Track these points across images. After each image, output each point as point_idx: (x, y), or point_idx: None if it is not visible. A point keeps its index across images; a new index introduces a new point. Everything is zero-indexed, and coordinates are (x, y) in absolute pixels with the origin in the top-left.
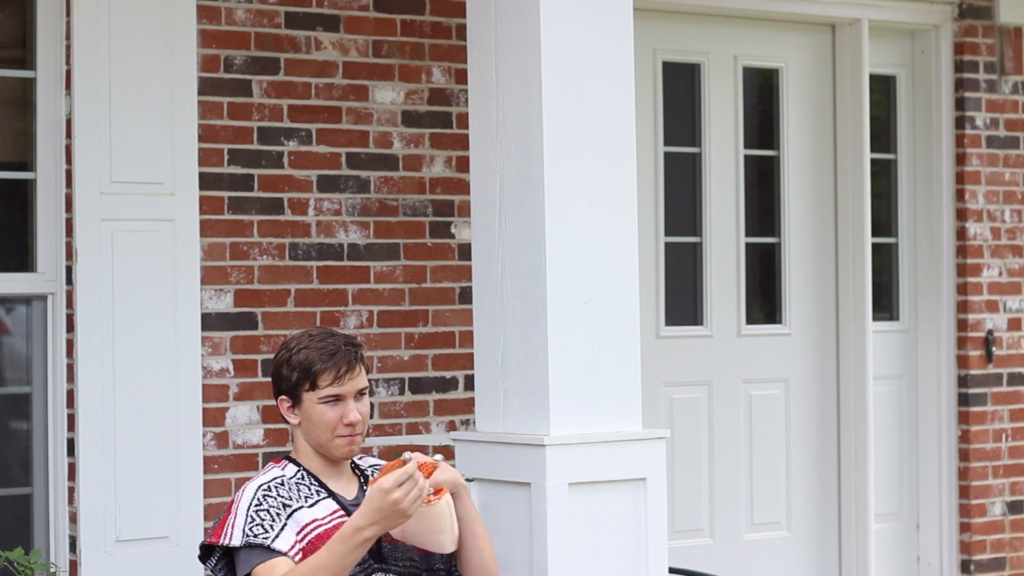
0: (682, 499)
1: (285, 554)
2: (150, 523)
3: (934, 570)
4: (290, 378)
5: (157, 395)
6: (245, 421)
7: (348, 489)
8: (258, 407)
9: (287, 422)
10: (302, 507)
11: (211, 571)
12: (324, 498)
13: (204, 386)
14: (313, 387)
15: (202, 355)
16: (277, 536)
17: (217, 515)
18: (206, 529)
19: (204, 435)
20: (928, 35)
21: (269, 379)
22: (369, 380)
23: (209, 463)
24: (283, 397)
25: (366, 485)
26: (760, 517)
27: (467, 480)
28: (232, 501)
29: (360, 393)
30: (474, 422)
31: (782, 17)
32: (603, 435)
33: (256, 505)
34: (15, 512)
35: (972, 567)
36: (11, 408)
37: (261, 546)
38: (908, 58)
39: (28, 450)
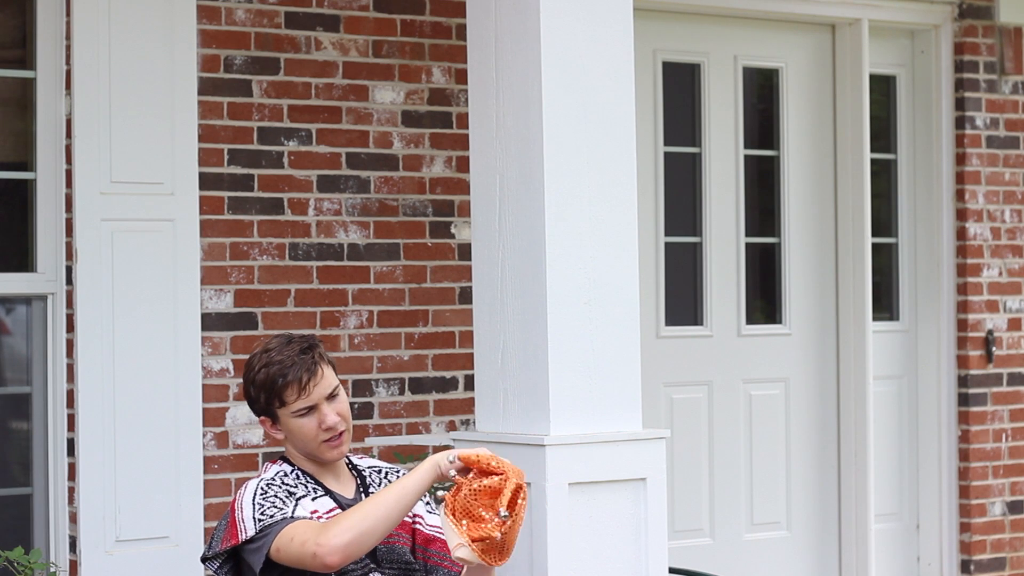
0: (682, 499)
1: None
2: (150, 523)
3: (934, 570)
4: (259, 399)
5: (157, 395)
6: (245, 421)
7: (346, 489)
8: None
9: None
10: (303, 496)
11: (214, 572)
12: (322, 495)
13: (204, 386)
14: (282, 404)
15: (202, 355)
16: (294, 509)
17: (219, 523)
18: (207, 529)
19: (204, 435)
20: (928, 35)
21: None
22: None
23: (209, 463)
24: (263, 417)
25: (363, 486)
26: (760, 517)
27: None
28: (234, 502)
29: (332, 395)
30: (474, 422)
31: (782, 17)
32: (603, 435)
33: (262, 494)
34: (15, 512)
35: (972, 567)
36: (11, 408)
37: (280, 521)
38: (908, 58)
39: (28, 450)
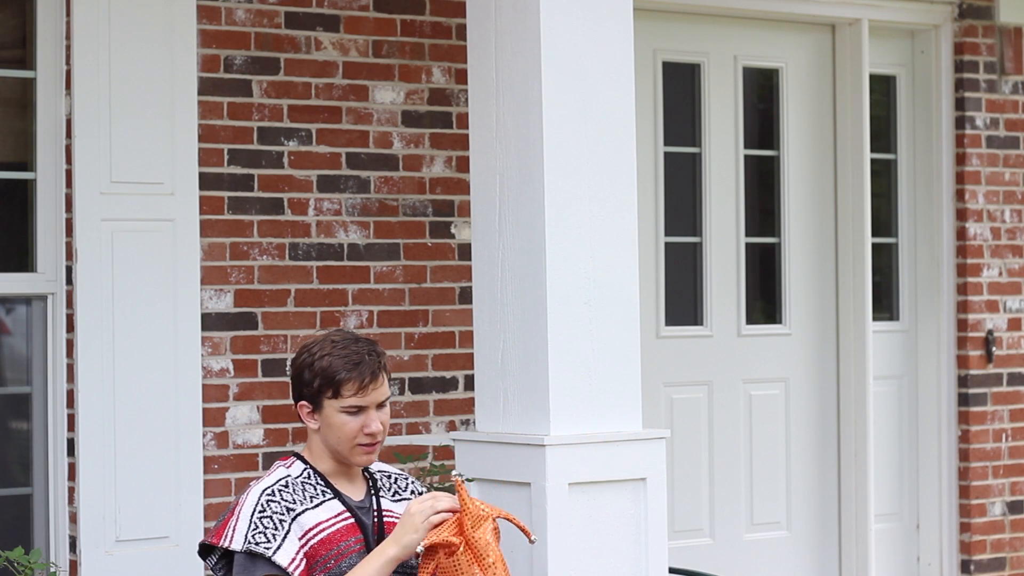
0: (682, 499)
1: (285, 570)
2: (150, 523)
3: (934, 570)
4: (312, 384)
5: (157, 395)
6: (245, 421)
7: (356, 491)
8: (258, 407)
9: (304, 424)
10: (307, 509)
11: (211, 569)
12: (330, 499)
13: (204, 386)
14: (336, 396)
15: (202, 355)
16: (279, 548)
17: (221, 514)
18: (207, 528)
19: (204, 435)
20: (928, 35)
21: (269, 379)
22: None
23: (209, 463)
24: (303, 402)
25: (374, 488)
26: (760, 517)
27: (467, 480)
28: (236, 502)
29: (381, 404)
30: (474, 422)
31: (782, 17)
32: (603, 435)
33: (260, 512)
34: (15, 512)
35: (972, 567)
36: (11, 408)
37: (262, 556)
38: (908, 58)
39: (28, 450)
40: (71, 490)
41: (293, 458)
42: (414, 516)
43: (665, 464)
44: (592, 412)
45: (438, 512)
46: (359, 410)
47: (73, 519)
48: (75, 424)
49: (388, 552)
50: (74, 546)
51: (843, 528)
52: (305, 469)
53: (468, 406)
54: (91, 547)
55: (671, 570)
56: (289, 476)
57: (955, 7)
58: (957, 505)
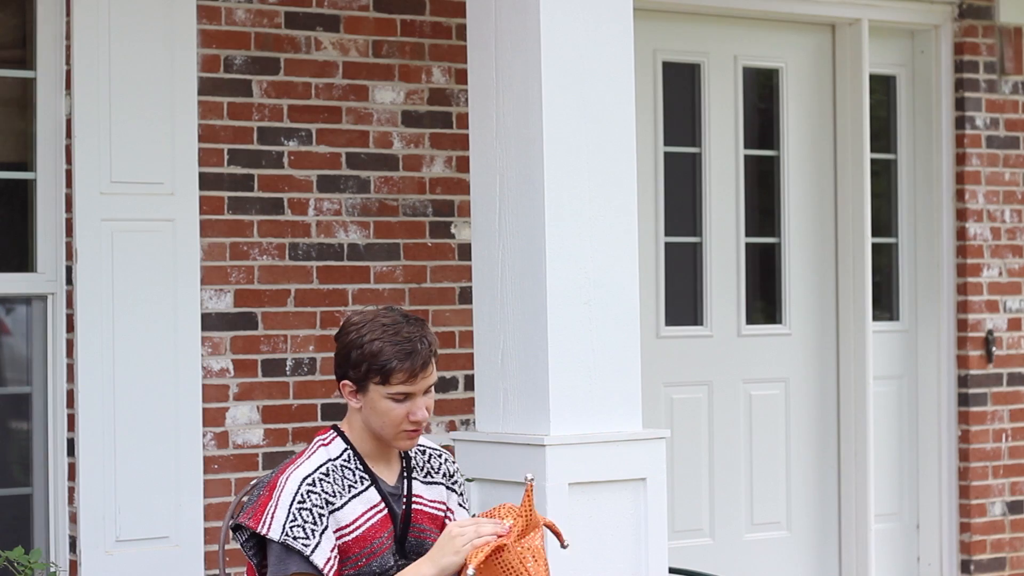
0: (682, 499)
1: (320, 570)
2: (150, 523)
3: (934, 570)
4: (359, 367)
5: (157, 395)
6: (245, 421)
7: (391, 474)
8: (258, 407)
9: (346, 400)
10: (345, 503)
11: (240, 545)
12: (367, 487)
13: (204, 386)
14: (384, 383)
15: (202, 355)
16: (317, 546)
17: (253, 489)
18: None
19: (204, 435)
20: (928, 35)
21: (269, 379)
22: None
23: (209, 463)
24: (347, 382)
25: (407, 469)
26: (760, 517)
27: (467, 480)
28: (273, 482)
29: (428, 388)
30: (474, 422)
31: (782, 17)
32: (603, 435)
33: (299, 503)
34: (15, 512)
35: (972, 567)
36: (11, 408)
37: (300, 553)
38: (908, 58)
39: (28, 450)
40: (71, 490)
41: (333, 433)
42: (455, 539)
43: (665, 464)
44: (592, 412)
45: (481, 536)
46: (406, 396)
47: (73, 519)
48: (75, 424)
49: (423, 572)
50: (74, 546)
51: (843, 528)
52: (345, 450)
53: (468, 406)
54: (91, 547)
55: (671, 570)
56: (329, 460)
57: (955, 7)
58: (957, 505)
